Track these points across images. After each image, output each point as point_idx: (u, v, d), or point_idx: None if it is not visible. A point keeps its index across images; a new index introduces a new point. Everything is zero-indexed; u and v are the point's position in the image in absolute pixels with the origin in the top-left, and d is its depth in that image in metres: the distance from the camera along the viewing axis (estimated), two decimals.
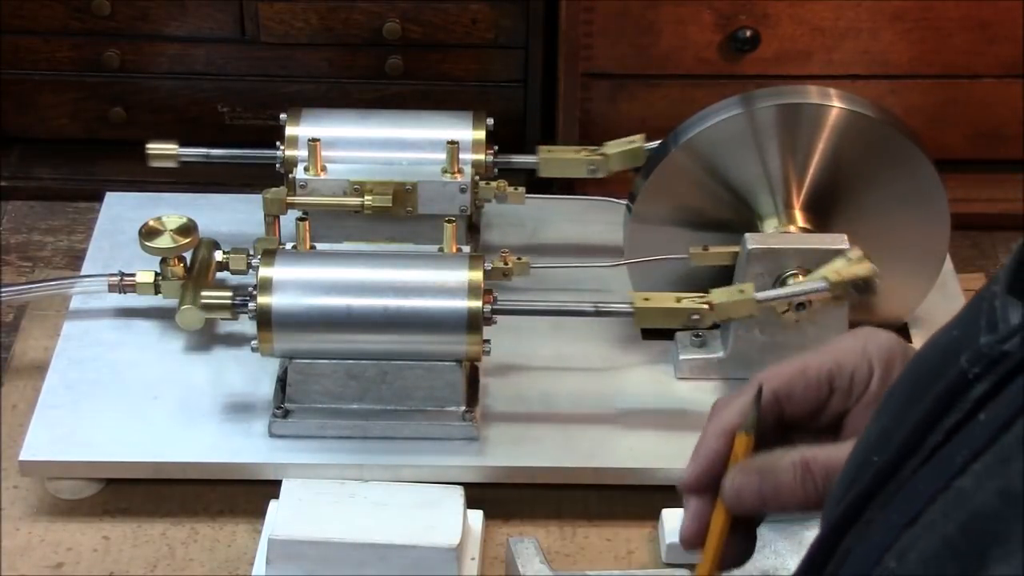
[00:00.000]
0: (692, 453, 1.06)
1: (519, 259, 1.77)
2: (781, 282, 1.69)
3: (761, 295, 1.65)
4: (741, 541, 1.05)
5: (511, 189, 1.88)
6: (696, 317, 1.65)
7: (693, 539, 1.04)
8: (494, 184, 1.87)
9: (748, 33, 2.04)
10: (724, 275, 1.73)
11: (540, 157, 1.90)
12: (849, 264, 1.65)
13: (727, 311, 1.65)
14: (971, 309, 0.82)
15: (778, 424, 1.02)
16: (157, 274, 1.78)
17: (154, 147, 1.92)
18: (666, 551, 1.62)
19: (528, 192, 1.90)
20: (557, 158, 1.91)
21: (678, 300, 1.65)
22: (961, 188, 1.95)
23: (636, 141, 1.88)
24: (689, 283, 1.74)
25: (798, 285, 1.67)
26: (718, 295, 1.65)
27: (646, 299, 1.66)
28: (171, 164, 1.93)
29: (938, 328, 0.90)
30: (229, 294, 1.70)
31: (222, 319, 1.76)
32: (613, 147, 1.89)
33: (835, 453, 0.97)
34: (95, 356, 1.77)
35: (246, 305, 1.65)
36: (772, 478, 1.00)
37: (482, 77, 2.16)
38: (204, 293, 1.71)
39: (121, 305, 1.83)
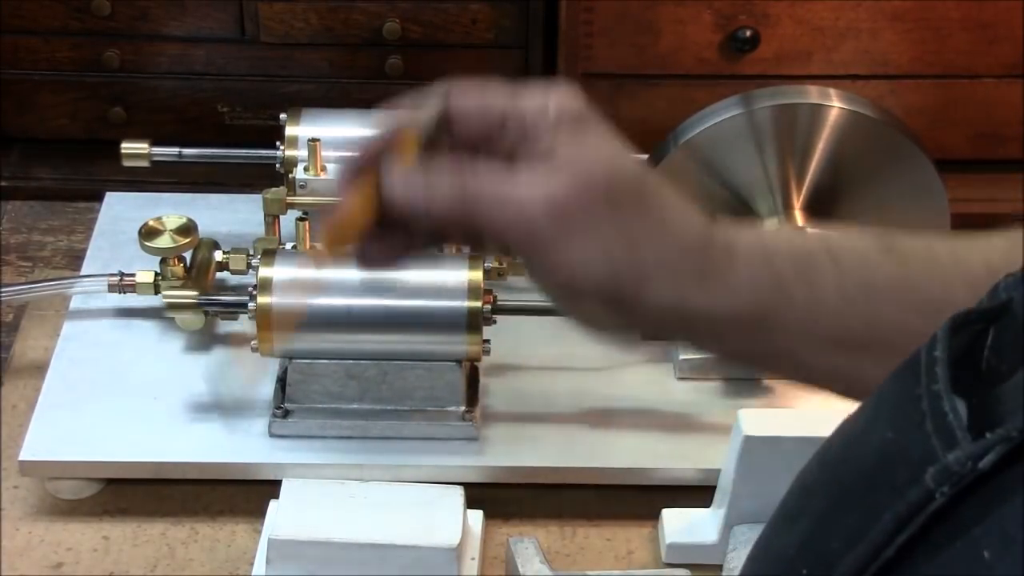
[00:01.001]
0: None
1: (515, 259, 1.77)
2: None
3: None
4: (388, 240, 1.02)
5: None
6: None
7: (343, 227, 1.02)
8: None
9: (748, 33, 2.04)
10: None
11: None
12: None
13: None
14: (901, 407, 0.78)
15: (446, 138, 1.04)
16: (157, 274, 1.78)
17: (127, 146, 1.92)
18: (666, 551, 1.62)
19: None
20: None
21: None
22: (961, 188, 1.94)
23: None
24: None
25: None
26: None
27: None
28: (143, 164, 1.92)
29: (846, 417, 0.88)
30: (194, 293, 1.70)
31: (224, 320, 1.76)
32: None
33: (500, 188, 0.99)
34: (95, 356, 1.77)
35: (209, 303, 1.66)
36: (433, 179, 1.00)
37: (482, 77, 2.15)
38: (167, 292, 1.71)
39: (121, 305, 1.83)
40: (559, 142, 1.04)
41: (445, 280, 1.64)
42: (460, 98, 1.04)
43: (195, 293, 1.70)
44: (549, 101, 1.06)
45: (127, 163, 1.92)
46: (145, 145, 1.92)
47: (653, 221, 1.01)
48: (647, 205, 1.02)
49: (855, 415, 0.83)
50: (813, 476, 0.83)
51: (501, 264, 1.78)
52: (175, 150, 1.92)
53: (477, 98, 1.05)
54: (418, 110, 1.07)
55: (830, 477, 0.83)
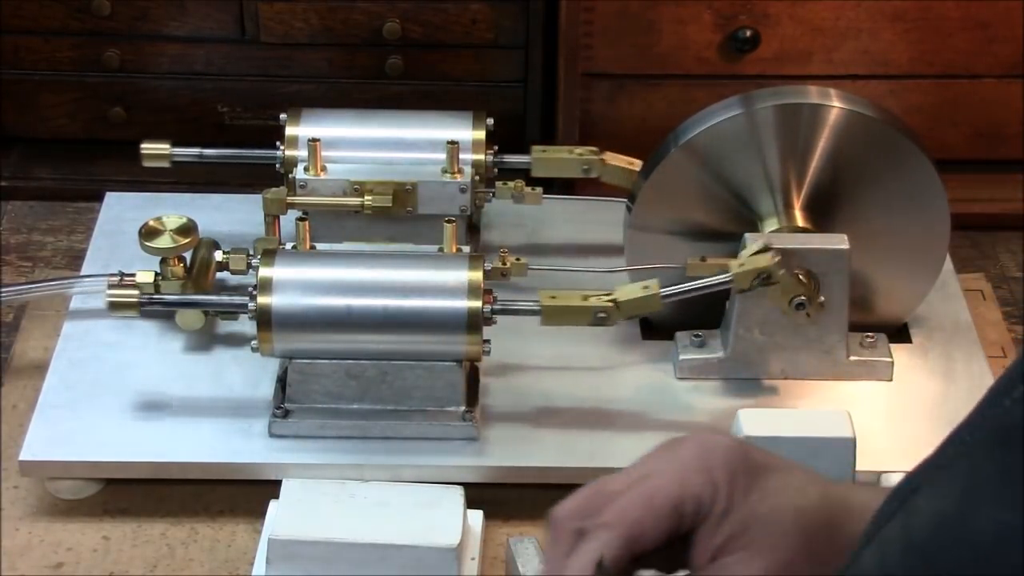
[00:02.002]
0: None
1: (517, 259, 1.77)
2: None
3: (665, 291, 1.65)
4: None
5: (529, 189, 1.89)
6: (603, 315, 1.65)
7: None
8: (511, 184, 1.88)
9: (748, 33, 2.05)
10: None
11: (534, 157, 1.90)
12: (753, 256, 1.66)
13: (632, 308, 1.65)
14: (1013, 485, 0.72)
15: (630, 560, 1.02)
16: (157, 274, 1.78)
17: (148, 147, 1.91)
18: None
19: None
20: (551, 158, 1.91)
21: (584, 298, 1.65)
22: (961, 188, 1.95)
23: (636, 166, 1.87)
24: (686, 281, 1.74)
25: (703, 280, 1.67)
26: (623, 293, 1.65)
27: (552, 297, 1.66)
28: (164, 164, 1.92)
29: (896, 495, 0.82)
30: (136, 292, 1.68)
31: (224, 320, 1.76)
32: (613, 159, 1.88)
33: None
34: (95, 356, 1.77)
35: (151, 303, 1.64)
36: None
37: (482, 77, 2.16)
38: (111, 291, 1.69)
39: None
40: (739, 507, 1.04)
41: (445, 280, 1.64)
42: (625, 525, 1.02)
43: (136, 292, 1.68)
44: (713, 468, 1.04)
45: (147, 163, 1.92)
46: (166, 145, 1.91)
47: (840, 549, 1.01)
48: (836, 536, 1.03)
49: (931, 498, 0.78)
50: (898, 565, 0.79)
51: (504, 264, 1.78)
52: (196, 151, 1.92)
53: (645, 509, 1.03)
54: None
55: (924, 565, 0.77)
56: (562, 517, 1.05)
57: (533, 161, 1.90)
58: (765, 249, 1.67)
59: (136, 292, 1.68)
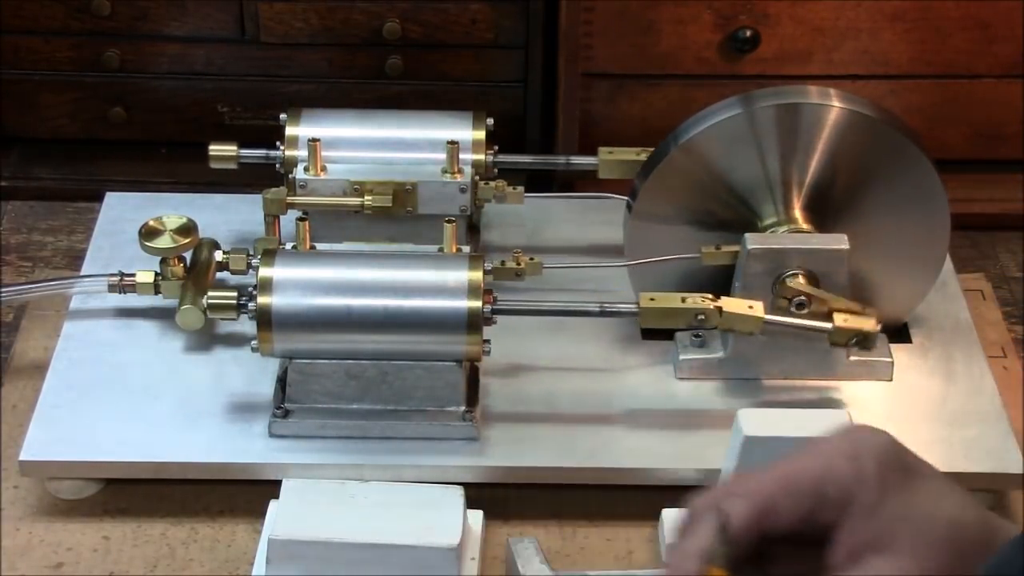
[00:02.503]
0: None
1: (531, 259, 1.78)
2: (780, 282, 1.69)
3: (769, 318, 1.66)
4: None
5: (510, 189, 1.89)
6: (702, 317, 1.65)
7: None
8: (493, 184, 1.87)
9: (748, 33, 2.05)
10: (723, 275, 1.73)
11: (600, 159, 1.91)
12: (857, 316, 1.66)
13: (733, 322, 1.65)
14: None
15: (758, 538, 0.96)
16: (157, 274, 1.78)
17: (216, 148, 1.91)
18: (666, 551, 1.62)
19: (527, 191, 1.91)
20: (617, 160, 1.91)
21: (683, 300, 1.65)
22: (961, 188, 1.95)
23: None
24: (689, 283, 1.74)
25: (806, 320, 1.68)
26: (730, 304, 1.65)
27: (652, 299, 1.66)
28: (231, 166, 1.91)
29: None
30: (234, 294, 1.69)
31: (224, 319, 1.76)
32: None
33: None
34: (95, 356, 1.77)
35: (247, 305, 1.65)
36: None
37: (482, 77, 2.16)
38: (212, 293, 1.70)
39: (121, 305, 1.83)
40: (889, 505, 0.96)
41: (445, 280, 1.64)
42: (759, 496, 0.95)
43: (235, 294, 1.68)
44: (862, 457, 0.97)
45: (215, 165, 1.91)
46: (234, 147, 1.91)
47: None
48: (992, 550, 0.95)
49: None
50: None
51: (519, 264, 1.78)
52: (262, 152, 1.91)
53: (781, 484, 0.96)
54: (701, 547, 0.95)
55: None
56: (698, 502, 0.98)
57: (600, 163, 1.91)
58: (870, 314, 1.67)
59: (235, 294, 1.68)
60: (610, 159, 1.91)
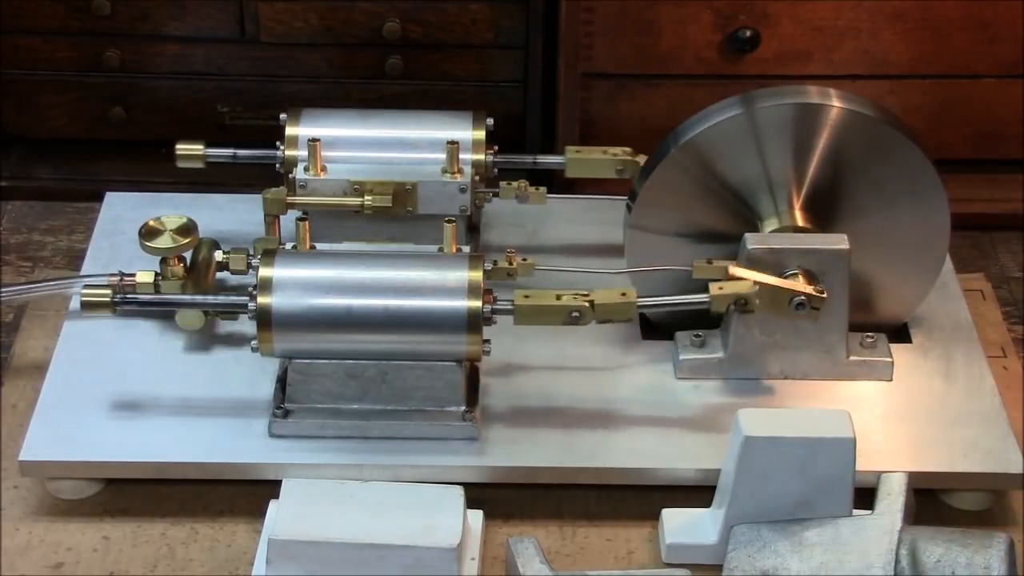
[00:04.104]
0: None
1: (524, 259, 1.78)
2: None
3: (642, 301, 1.66)
4: None
5: (533, 189, 1.89)
6: (576, 315, 1.65)
7: None
8: (516, 184, 1.88)
9: (748, 33, 2.05)
10: (724, 276, 1.73)
11: (568, 158, 1.91)
12: (733, 282, 1.66)
13: (607, 312, 1.65)
14: None
15: None
16: (157, 274, 1.78)
17: (183, 147, 1.91)
18: (666, 551, 1.62)
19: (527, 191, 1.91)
20: (585, 158, 1.91)
21: (558, 297, 1.65)
22: (961, 188, 1.95)
23: None
24: (688, 282, 1.74)
25: (679, 297, 1.68)
26: (600, 296, 1.65)
27: (526, 296, 1.66)
28: (198, 165, 1.92)
29: None
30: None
31: (224, 320, 1.76)
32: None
33: None
34: (95, 356, 1.77)
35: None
36: None
37: (482, 77, 2.16)
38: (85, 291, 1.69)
39: None
40: None
41: (445, 280, 1.64)
42: None
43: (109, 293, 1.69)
44: None
45: (181, 164, 1.92)
46: (200, 146, 1.91)
47: None
48: None
49: None
50: None
51: (511, 264, 1.78)
52: (230, 151, 1.92)
53: None
54: None
55: None
56: None
57: (567, 162, 1.91)
58: (743, 277, 1.67)
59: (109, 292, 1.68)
60: (577, 157, 1.91)
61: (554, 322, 1.66)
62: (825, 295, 1.68)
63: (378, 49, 2.14)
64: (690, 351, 1.76)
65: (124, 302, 1.67)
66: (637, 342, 1.81)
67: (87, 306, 1.66)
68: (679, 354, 1.76)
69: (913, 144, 1.73)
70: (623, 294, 1.65)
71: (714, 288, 1.66)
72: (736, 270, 1.68)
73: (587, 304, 1.64)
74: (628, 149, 1.90)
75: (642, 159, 1.88)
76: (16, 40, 2.15)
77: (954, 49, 2.08)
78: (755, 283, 1.66)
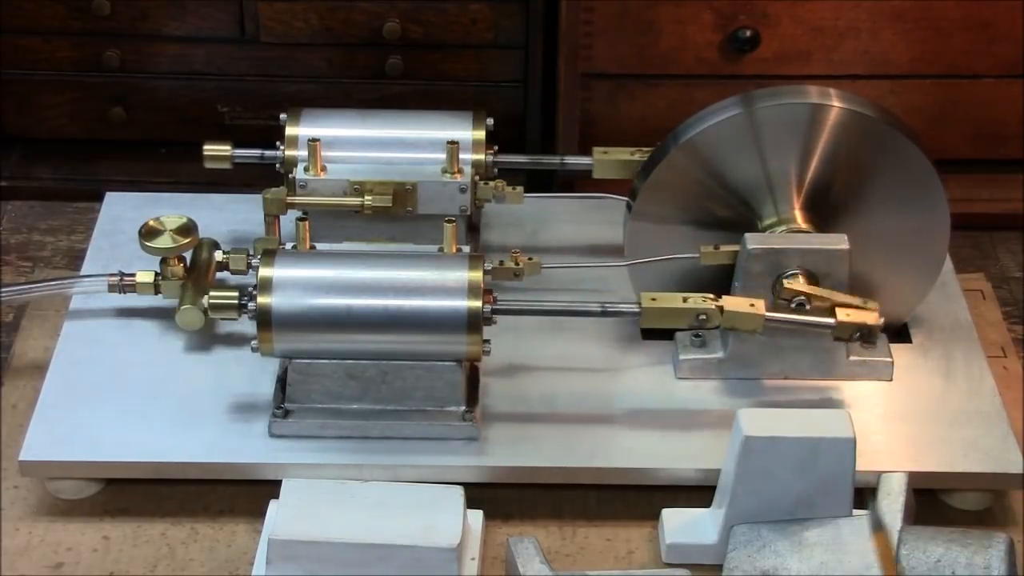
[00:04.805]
0: None
1: (530, 259, 1.78)
2: (780, 282, 1.70)
3: (770, 315, 1.66)
4: None
5: (510, 189, 1.89)
6: (703, 317, 1.65)
7: None
8: (492, 184, 1.87)
9: (748, 33, 2.05)
10: (723, 275, 1.73)
11: (595, 159, 1.91)
12: (859, 310, 1.66)
13: (734, 320, 1.66)
14: None
15: None
16: (157, 274, 1.78)
17: (210, 148, 1.91)
18: (666, 551, 1.62)
19: (527, 191, 1.91)
20: (612, 160, 1.91)
21: (684, 300, 1.66)
22: (961, 188, 1.95)
23: None
24: (688, 283, 1.74)
25: (807, 316, 1.67)
26: (731, 302, 1.65)
27: (653, 299, 1.66)
28: (225, 166, 1.92)
29: None
30: (235, 293, 1.69)
31: (224, 319, 1.76)
32: None
33: None
34: (95, 356, 1.77)
35: (247, 305, 1.65)
36: None
37: (482, 77, 2.16)
38: (213, 293, 1.70)
39: (121, 305, 1.83)
40: None
41: (445, 280, 1.64)
42: None
43: (236, 293, 1.69)
44: None
45: (209, 165, 1.91)
46: (227, 147, 1.91)
47: None
48: None
49: None
50: None
51: (517, 264, 1.78)
52: (257, 152, 1.91)
53: None
54: None
55: None
56: None
57: (595, 163, 1.91)
58: (872, 307, 1.67)
59: (236, 293, 1.68)
60: (605, 159, 1.91)
61: (681, 324, 1.67)
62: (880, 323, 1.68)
63: (378, 49, 2.14)
64: (690, 351, 1.76)
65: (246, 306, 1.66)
66: (637, 342, 1.81)
67: (215, 308, 1.68)
68: (679, 354, 1.76)
69: (913, 144, 1.73)
70: (751, 304, 1.66)
71: (841, 313, 1.66)
72: (846, 298, 1.68)
73: (715, 308, 1.64)
74: (648, 149, 1.90)
75: None
76: (16, 40, 2.15)
77: (954, 49, 2.08)
78: (880, 315, 1.67)
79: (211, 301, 1.69)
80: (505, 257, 1.79)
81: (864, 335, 1.66)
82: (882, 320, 1.67)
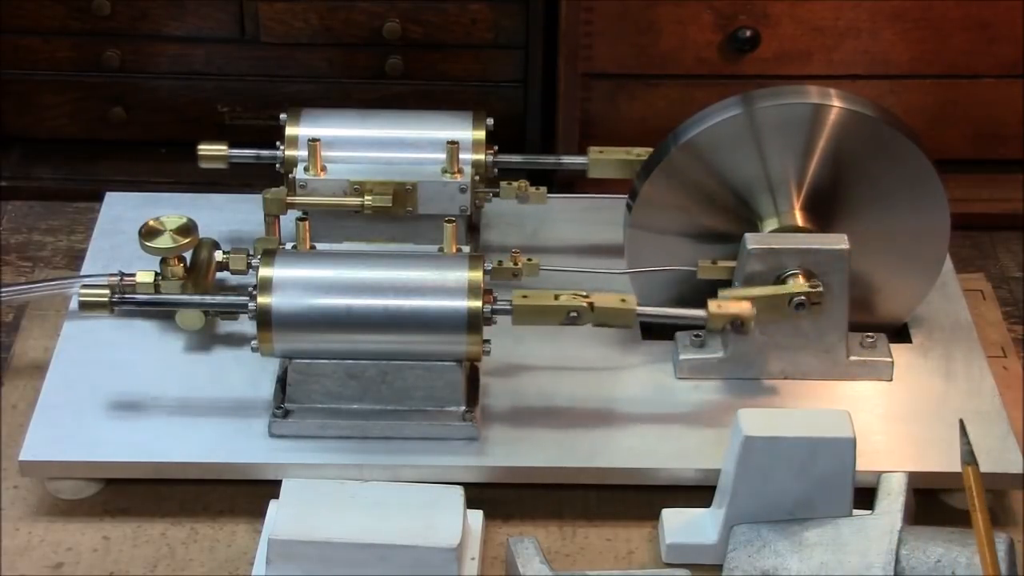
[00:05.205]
0: None
1: (529, 260, 1.78)
2: (781, 282, 1.70)
3: (641, 310, 1.65)
4: None
5: (533, 189, 1.89)
6: (574, 315, 1.65)
7: None
8: (516, 184, 1.88)
9: (748, 33, 2.05)
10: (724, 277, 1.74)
11: (590, 158, 1.91)
12: (731, 302, 1.66)
13: (606, 316, 1.65)
14: None
15: None
16: (157, 274, 1.78)
17: (205, 148, 1.91)
18: (666, 551, 1.62)
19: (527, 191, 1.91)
20: (608, 159, 1.91)
21: (556, 297, 1.65)
22: (961, 188, 1.95)
23: None
24: (688, 284, 1.75)
25: (678, 310, 1.67)
26: (600, 299, 1.65)
27: (524, 296, 1.66)
28: (221, 165, 1.92)
29: None
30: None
31: (224, 320, 1.76)
32: None
33: None
34: (95, 356, 1.77)
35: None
36: None
37: (482, 77, 2.16)
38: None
39: None
40: None
41: (445, 280, 1.64)
42: None
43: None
44: None
45: (204, 165, 1.91)
46: (223, 147, 1.91)
47: None
48: None
49: None
50: None
51: (516, 264, 1.78)
52: (253, 152, 1.91)
53: None
54: None
55: None
56: None
57: (590, 162, 1.91)
58: (743, 298, 1.66)
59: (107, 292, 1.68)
60: (600, 158, 1.91)
61: (553, 322, 1.66)
62: (820, 288, 1.68)
63: (378, 49, 2.14)
64: (690, 351, 1.76)
65: (122, 302, 1.67)
66: (637, 342, 1.81)
67: (85, 306, 1.66)
68: (679, 354, 1.76)
69: (913, 144, 1.73)
70: (623, 300, 1.65)
71: (712, 305, 1.65)
72: (728, 292, 1.67)
73: (586, 305, 1.64)
74: (651, 149, 1.90)
75: None
76: (16, 40, 2.15)
77: (954, 49, 2.08)
78: (750, 300, 1.66)
79: (80, 299, 1.69)
80: (504, 257, 1.79)
81: (737, 327, 1.65)
82: (754, 311, 1.65)
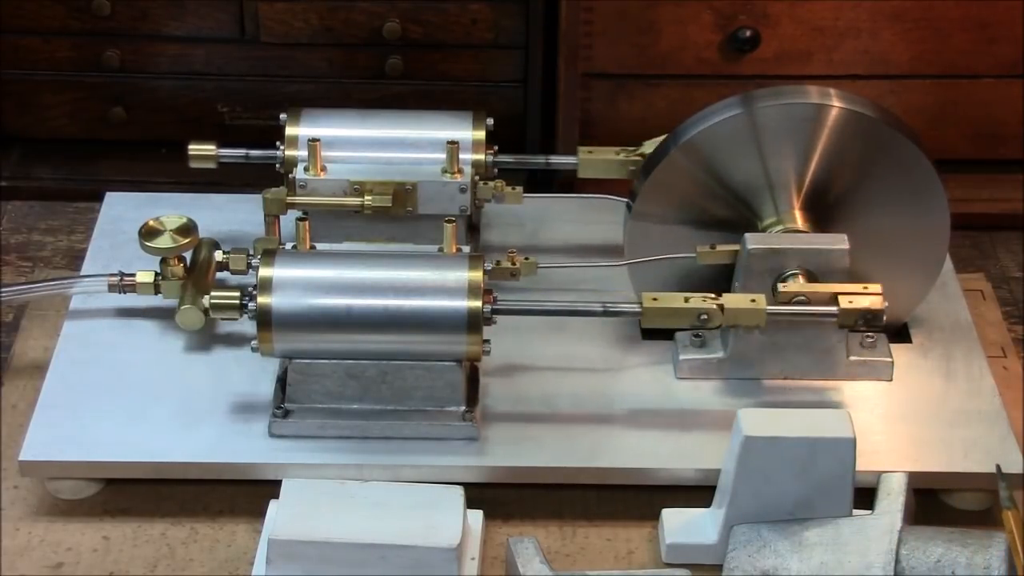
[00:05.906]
0: None
1: (526, 259, 1.78)
2: (783, 281, 1.70)
3: (772, 308, 1.66)
4: None
5: (509, 189, 1.89)
6: (704, 317, 1.65)
7: None
8: (492, 184, 1.87)
9: (748, 33, 2.05)
10: (723, 274, 1.73)
11: (580, 158, 1.91)
12: (861, 296, 1.66)
13: (736, 317, 1.65)
14: None
15: None
16: (157, 274, 1.78)
17: (195, 148, 1.91)
18: (666, 551, 1.62)
19: (527, 191, 1.91)
20: (597, 159, 1.91)
21: (686, 300, 1.65)
22: (961, 188, 1.95)
23: None
24: (687, 282, 1.74)
25: (810, 308, 1.67)
26: (730, 300, 1.65)
27: (654, 299, 1.66)
28: (211, 165, 1.92)
29: None
30: (236, 293, 1.69)
31: (225, 319, 1.76)
32: (651, 146, 1.88)
33: None
34: (95, 356, 1.77)
35: (248, 305, 1.65)
36: None
37: (482, 77, 2.16)
38: (214, 293, 1.70)
39: (121, 305, 1.83)
40: None
41: (445, 280, 1.64)
42: None
43: (238, 294, 1.69)
44: None
45: (194, 164, 1.92)
46: (212, 146, 1.91)
47: None
48: None
49: None
50: None
51: (514, 264, 1.78)
52: (242, 152, 1.91)
53: None
54: None
55: None
56: None
57: (580, 162, 1.91)
58: (876, 292, 1.66)
59: (237, 294, 1.68)
60: (590, 158, 1.91)
61: (682, 324, 1.66)
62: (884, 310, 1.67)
63: (378, 49, 2.14)
64: (690, 351, 1.76)
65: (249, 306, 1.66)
66: (637, 342, 1.81)
67: (216, 308, 1.67)
68: (679, 354, 1.76)
69: (913, 144, 1.73)
70: (752, 300, 1.65)
71: (844, 301, 1.65)
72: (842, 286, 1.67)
73: (716, 307, 1.64)
74: (640, 148, 1.90)
75: None
76: (16, 40, 2.15)
77: (954, 49, 2.08)
78: (884, 300, 1.66)
79: (212, 301, 1.69)
80: (502, 257, 1.79)
81: (868, 320, 1.66)
82: (885, 303, 1.66)
